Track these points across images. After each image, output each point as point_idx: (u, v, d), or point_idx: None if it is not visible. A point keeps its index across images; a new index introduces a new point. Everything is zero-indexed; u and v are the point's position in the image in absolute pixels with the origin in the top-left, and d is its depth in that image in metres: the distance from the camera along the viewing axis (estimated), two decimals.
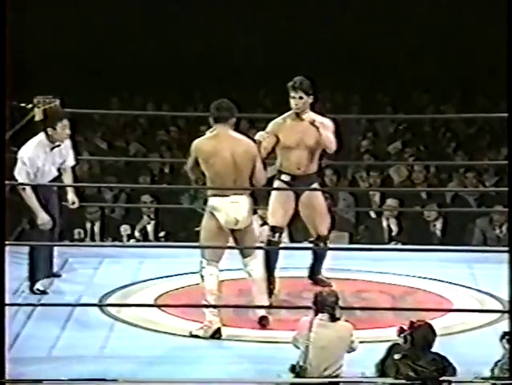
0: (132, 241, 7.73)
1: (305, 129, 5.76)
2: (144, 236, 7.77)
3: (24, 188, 5.75)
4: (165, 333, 5.35)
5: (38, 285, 5.78)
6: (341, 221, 7.90)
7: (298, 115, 5.78)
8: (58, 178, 5.98)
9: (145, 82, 12.03)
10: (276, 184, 5.87)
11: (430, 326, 4.58)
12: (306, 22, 12.58)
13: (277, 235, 5.85)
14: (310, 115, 5.78)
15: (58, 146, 5.96)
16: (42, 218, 5.75)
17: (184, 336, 5.30)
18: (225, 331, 5.33)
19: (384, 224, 7.79)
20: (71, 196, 6.09)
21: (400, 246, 7.51)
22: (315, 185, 5.87)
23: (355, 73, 11.96)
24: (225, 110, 5.45)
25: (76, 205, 6.10)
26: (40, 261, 5.85)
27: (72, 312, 5.51)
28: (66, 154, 6.04)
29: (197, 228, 7.65)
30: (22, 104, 6.24)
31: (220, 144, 5.41)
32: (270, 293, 5.67)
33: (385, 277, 6.25)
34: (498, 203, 7.73)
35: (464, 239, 7.71)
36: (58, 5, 11.86)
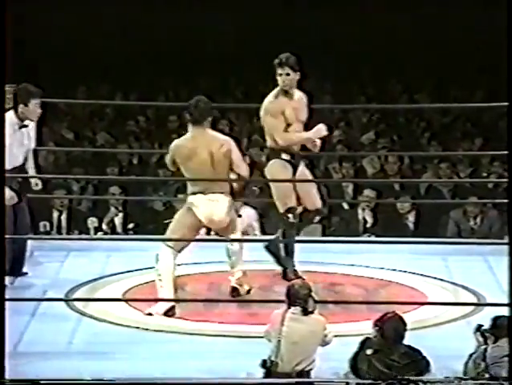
0: (99, 234, 7.63)
1: (298, 105, 5.78)
2: (112, 228, 7.67)
3: None
4: (133, 328, 5.27)
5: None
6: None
7: (287, 93, 5.75)
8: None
9: (113, 70, 11.87)
10: (277, 163, 5.79)
11: (400, 317, 4.51)
12: (280, 9, 12.51)
13: (292, 216, 5.81)
14: (297, 92, 5.78)
15: (26, 126, 5.81)
16: (7, 194, 5.57)
17: (152, 330, 5.22)
18: (195, 326, 5.25)
19: (360, 216, 7.72)
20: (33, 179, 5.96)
21: (373, 238, 7.45)
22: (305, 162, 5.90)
23: (327, 61, 11.89)
24: (203, 111, 5.48)
25: (39, 187, 6.00)
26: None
27: (38, 307, 5.41)
28: (32, 137, 5.91)
29: (166, 221, 7.59)
30: None
31: (197, 146, 5.48)
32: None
33: (358, 270, 6.19)
34: (473, 194, 7.69)
35: (437, 231, 7.66)
36: None
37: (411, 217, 7.76)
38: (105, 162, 8.71)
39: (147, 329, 5.24)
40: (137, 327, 5.27)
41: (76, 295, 5.66)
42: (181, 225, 5.49)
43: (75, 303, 5.48)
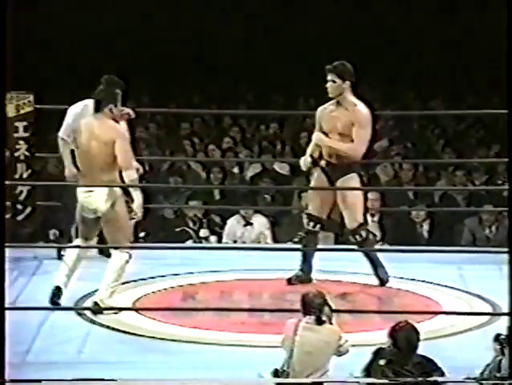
0: None
1: (340, 114, 5.72)
2: None
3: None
4: (144, 337, 5.23)
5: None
6: (330, 222, 7.75)
7: (338, 101, 5.74)
8: None
9: (123, 75, 11.85)
10: (315, 171, 5.81)
11: (413, 327, 4.44)
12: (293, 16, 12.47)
13: (311, 224, 5.72)
14: (350, 101, 5.71)
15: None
16: (70, 170, 5.79)
17: (162, 340, 5.16)
18: (206, 335, 5.20)
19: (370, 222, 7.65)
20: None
21: (386, 247, 7.38)
22: (353, 175, 5.77)
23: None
24: (101, 99, 5.41)
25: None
26: None
27: (47, 316, 5.36)
28: None
29: (177, 229, 7.55)
30: None
31: (83, 133, 5.44)
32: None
33: (372, 279, 6.11)
34: (488, 202, 7.60)
35: (452, 240, 7.57)
36: None
37: (425, 226, 7.68)
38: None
39: (155, 337, 5.19)
40: (148, 336, 5.22)
41: (87, 304, 5.60)
42: (79, 217, 5.48)
43: (86, 312, 5.44)
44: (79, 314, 5.43)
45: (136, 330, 5.29)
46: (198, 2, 12.40)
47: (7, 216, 6.49)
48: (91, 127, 5.43)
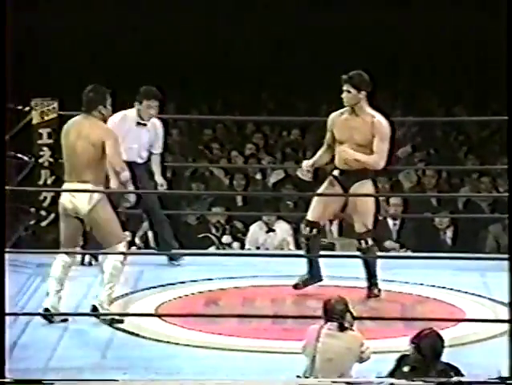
0: (132, 248, 7.59)
1: (357, 125, 5.68)
2: (145, 243, 7.63)
3: None
4: (167, 343, 5.23)
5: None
6: (349, 228, 7.73)
7: (353, 110, 5.68)
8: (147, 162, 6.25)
9: (146, 82, 11.91)
10: (328, 178, 5.82)
11: (438, 334, 4.42)
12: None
13: (307, 229, 5.73)
14: (367, 112, 5.69)
15: (145, 125, 6.18)
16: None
17: (185, 346, 5.17)
18: (229, 341, 5.20)
19: (391, 226, 7.63)
20: (158, 178, 6.30)
21: (409, 254, 7.35)
22: (366, 181, 5.74)
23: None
24: (91, 100, 5.39)
25: (165, 187, 6.34)
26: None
27: (71, 321, 5.37)
28: (154, 138, 6.27)
29: (200, 235, 7.55)
30: (19, 107, 6.13)
31: (71, 132, 5.42)
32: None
33: (394, 286, 6.09)
34: None
35: (476, 247, 7.52)
36: (58, 4, 11.80)
37: (449, 233, 7.64)
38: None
39: (178, 343, 5.19)
40: (170, 342, 5.22)
41: (110, 309, 5.60)
42: (61, 217, 5.44)
43: (108, 317, 5.44)
44: (102, 320, 5.43)
45: (159, 335, 5.29)
46: (223, 10, 12.43)
47: (32, 222, 6.53)
48: (79, 127, 5.40)
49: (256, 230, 7.47)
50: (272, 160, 9.40)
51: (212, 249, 7.42)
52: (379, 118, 5.74)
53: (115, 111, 5.79)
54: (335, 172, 5.78)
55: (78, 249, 5.54)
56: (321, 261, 5.83)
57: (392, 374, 4.42)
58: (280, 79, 11.71)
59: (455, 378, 4.28)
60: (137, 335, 5.30)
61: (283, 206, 8.01)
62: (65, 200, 5.39)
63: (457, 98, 11.59)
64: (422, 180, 8.65)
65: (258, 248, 7.41)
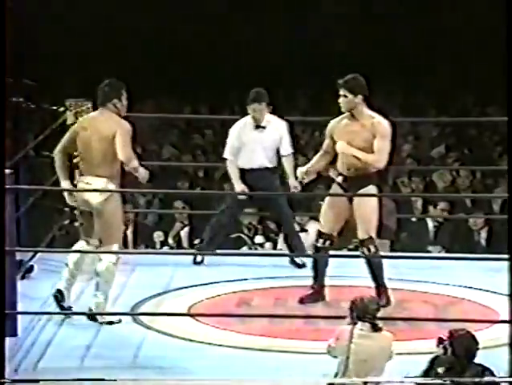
0: (165, 248, 7.61)
1: (357, 129, 5.62)
2: (178, 243, 7.65)
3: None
4: (199, 342, 5.23)
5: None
6: (382, 228, 7.70)
7: (352, 115, 5.64)
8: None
9: (180, 83, 12.00)
10: (332, 186, 5.78)
11: (471, 335, 4.37)
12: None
13: (321, 241, 5.68)
14: (365, 114, 5.62)
15: (263, 128, 6.22)
16: (239, 186, 6.15)
17: (218, 346, 5.17)
18: (260, 341, 5.20)
19: (430, 229, 7.59)
20: (291, 180, 6.25)
21: (442, 254, 7.30)
22: (371, 187, 5.66)
23: (396, 74, 11.76)
24: (105, 94, 5.38)
25: (299, 189, 6.26)
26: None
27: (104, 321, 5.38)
28: (279, 140, 6.27)
29: (232, 235, 7.56)
30: (54, 107, 6.16)
31: (85, 127, 5.41)
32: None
33: (427, 287, 6.05)
34: None
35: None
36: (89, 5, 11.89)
37: (483, 233, 7.58)
38: (171, 176, 8.71)
39: (210, 343, 5.19)
40: (203, 342, 5.22)
41: (142, 309, 5.63)
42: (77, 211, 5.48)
43: (141, 317, 5.45)
44: (135, 320, 5.44)
45: (191, 335, 5.29)
46: (250, 12, 12.43)
47: (66, 222, 6.57)
48: (93, 121, 5.41)
49: None
50: (304, 160, 9.37)
51: (244, 250, 7.42)
52: (378, 118, 5.64)
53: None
54: (339, 179, 5.70)
55: (92, 240, 5.50)
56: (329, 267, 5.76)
57: (425, 375, 4.38)
58: (312, 78, 11.69)
59: (489, 379, 4.24)
60: (169, 335, 5.29)
61: (315, 206, 7.98)
62: (78, 194, 5.39)
63: (492, 97, 11.48)
64: (456, 181, 8.59)
65: None
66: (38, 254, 6.20)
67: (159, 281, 6.10)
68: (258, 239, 7.59)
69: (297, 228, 7.45)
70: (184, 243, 7.71)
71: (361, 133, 5.62)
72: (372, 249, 5.65)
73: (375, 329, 4.47)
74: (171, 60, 12.29)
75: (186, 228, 7.68)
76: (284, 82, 11.84)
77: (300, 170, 5.81)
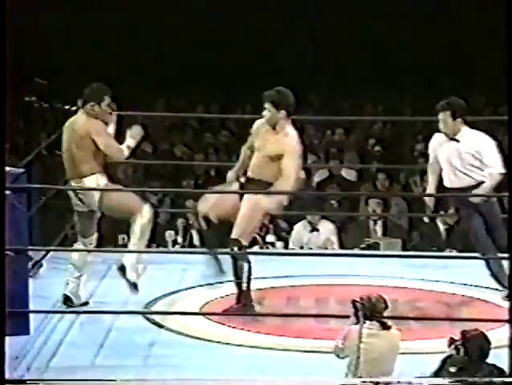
0: (176, 247, 7.62)
1: (272, 139, 5.47)
2: (190, 241, 7.66)
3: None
4: (211, 341, 5.24)
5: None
6: (393, 227, 7.72)
7: (274, 128, 5.48)
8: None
9: (191, 83, 12.02)
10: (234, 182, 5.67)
11: (484, 335, 4.37)
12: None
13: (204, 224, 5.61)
14: (284, 131, 5.45)
15: (457, 140, 5.85)
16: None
17: (230, 345, 5.18)
18: (271, 340, 5.20)
19: (441, 229, 7.56)
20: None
21: (453, 254, 7.29)
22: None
23: (405, 73, 11.74)
24: (84, 97, 5.49)
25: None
26: None
27: (116, 319, 5.41)
28: (480, 152, 5.85)
29: None
30: (66, 107, 6.18)
31: (66, 129, 5.53)
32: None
33: (440, 286, 6.04)
34: None
35: None
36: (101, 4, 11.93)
37: None
38: (183, 175, 8.72)
39: (221, 342, 5.20)
40: (215, 341, 5.23)
41: (154, 308, 5.64)
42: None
43: (153, 316, 5.46)
44: (147, 319, 5.45)
45: (204, 334, 5.30)
46: (272, 9, 12.43)
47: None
48: (71, 124, 5.54)
49: (300, 230, 7.46)
50: (316, 159, 9.37)
51: (256, 248, 7.42)
52: (289, 138, 5.45)
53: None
54: (242, 180, 5.59)
55: (94, 236, 5.61)
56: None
57: (436, 375, 4.38)
58: (324, 78, 11.68)
59: (502, 379, 4.23)
60: (182, 334, 5.31)
61: (327, 206, 7.99)
62: (75, 199, 5.49)
63: (505, 97, 11.42)
64: None
65: (301, 247, 7.40)
66: (50, 253, 6.22)
67: (170, 279, 6.12)
68: (270, 238, 7.60)
69: (308, 227, 7.46)
70: (196, 242, 7.72)
71: (273, 145, 5.45)
72: (235, 250, 5.50)
73: (384, 327, 4.47)
74: (183, 59, 12.30)
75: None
76: (296, 81, 11.83)
77: (230, 175, 5.69)
